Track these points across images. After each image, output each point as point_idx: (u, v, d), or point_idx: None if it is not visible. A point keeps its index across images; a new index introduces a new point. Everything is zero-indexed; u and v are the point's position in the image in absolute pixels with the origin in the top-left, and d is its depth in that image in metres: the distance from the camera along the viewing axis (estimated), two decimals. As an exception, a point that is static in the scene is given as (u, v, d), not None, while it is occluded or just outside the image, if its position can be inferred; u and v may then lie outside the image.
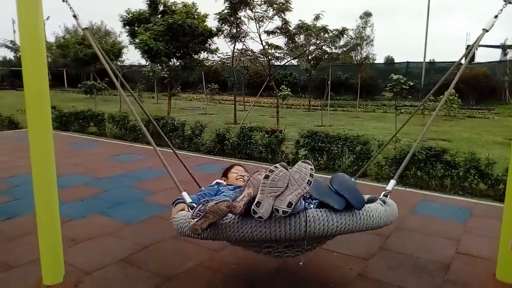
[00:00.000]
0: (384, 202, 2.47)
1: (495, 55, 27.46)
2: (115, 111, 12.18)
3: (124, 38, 42.13)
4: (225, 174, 3.44)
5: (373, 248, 3.46)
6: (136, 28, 12.31)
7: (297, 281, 2.95)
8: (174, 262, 3.20)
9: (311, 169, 2.00)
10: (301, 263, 3.18)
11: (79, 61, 25.52)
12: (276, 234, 2.06)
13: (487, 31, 2.83)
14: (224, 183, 3.26)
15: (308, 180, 1.97)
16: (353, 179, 3.36)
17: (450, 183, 5.76)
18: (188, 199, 2.63)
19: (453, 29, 72.58)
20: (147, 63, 13.68)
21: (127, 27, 12.87)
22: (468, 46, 33.04)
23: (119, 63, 26.79)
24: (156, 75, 13.43)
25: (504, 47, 21.64)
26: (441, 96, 12.75)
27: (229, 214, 2.14)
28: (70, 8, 2.52)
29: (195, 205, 2.43)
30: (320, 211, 2.08)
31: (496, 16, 2.80)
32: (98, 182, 5.47)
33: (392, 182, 2.68)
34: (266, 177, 1.97)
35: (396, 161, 6.15)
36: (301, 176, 1.97)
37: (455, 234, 3.79)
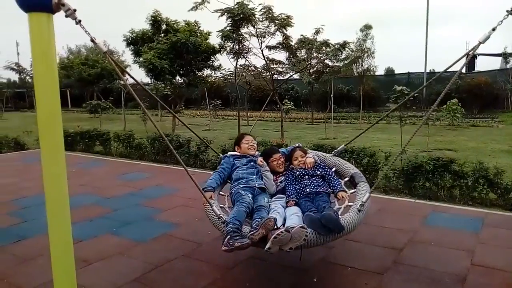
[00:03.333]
0: (360, 211, 3.01)
1: (495, 64, 27.54)
2: (119, 130, 12.24)
3: (126, 57, 42.66)
4: (237, 143, 3.93)
5: (386, 262, 3.42)
6: (140, 47, 12.46)
7: (312, 298, 2.91)
8: (187, 282, 3.17)
9: (306, 232, 2.70)
10: (315, 280, 3.15)
11: (83, 81, 25.79)
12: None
13: (481, 43, 2.81)
14: (238, 153, 3.84)
15: (304, 238, 2.68)
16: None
17: (459, 193, 5.71)
18: (217, 212, 3.03)
19: (452, 37, 73.11)
20: (151, 81, 13.82)
21: (131, 46, 13.04)
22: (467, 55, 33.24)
23: (122, 82, 27.07)
24: (159, 92, 13.58)
25: (505, 55, 21.68)
26: (444, 106, 12.78)
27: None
28: (86, 32, 2.52)
29: (223, 218, 2.98)
30: (313, 234, 2.80)
31: (494, 29, 2.76)
32: (106, 202, 5.47)
33: (367, 195, 3.13)
34: (275, 237, 2.61)
35: (403, 172, 6.12)
36: (299, 235, 2.67)
37: (469, 245, 3.74)
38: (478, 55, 32.82)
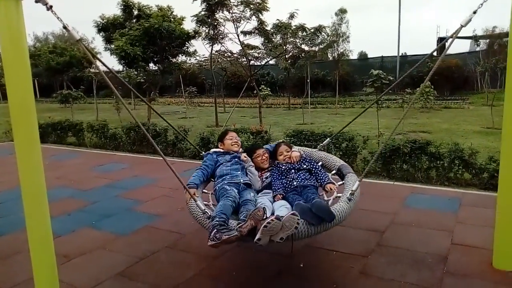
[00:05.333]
0: (350, 200, 2.99)
1: (464, 46, 28.20)
2: (92, 120, 11.91)
3: (96, 44, 41.34)
4: (221, 139, 3.86)
5: (370, 245, 3.47)
6: (111, 34, 12.06)
7: (299, 283, 2.93)
8: (173, 273, 3.13)
9: (298, 219, 2.60)
10: (301, 265, 3.17)
11: (51, 70, 24.84)
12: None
13: (463, 26, 2.85)
14: (221, 150, 3.76)
15: (295, 226, 2.59)
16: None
17: (436, 174, 5.86)
18: (202, 207, 2.91)
19: (424, 22, 74.36)
20: (123, 69, 13.45)
21: (102, 33, 12.61)
22: (440, 38, 33.84)
23: (92, 70, 26.25)
24: (131, 80, 13.24)
25: (475, 38, 22.21)
26: (417, 89, 13.05)
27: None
28: (58, 18, 2.39)
29: (209, 213, 2.86)
30: (304, 225, 2.73)
31: (475, 12, 2.80)
32: (84, 194, 5.31)
33: (357, 183, 3.12)
34: (265, 226, 2.51)
35: (381, 155, 6.22)
36: (290, 224, 2.57)
37: (448, 225, 3.85)
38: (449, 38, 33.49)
